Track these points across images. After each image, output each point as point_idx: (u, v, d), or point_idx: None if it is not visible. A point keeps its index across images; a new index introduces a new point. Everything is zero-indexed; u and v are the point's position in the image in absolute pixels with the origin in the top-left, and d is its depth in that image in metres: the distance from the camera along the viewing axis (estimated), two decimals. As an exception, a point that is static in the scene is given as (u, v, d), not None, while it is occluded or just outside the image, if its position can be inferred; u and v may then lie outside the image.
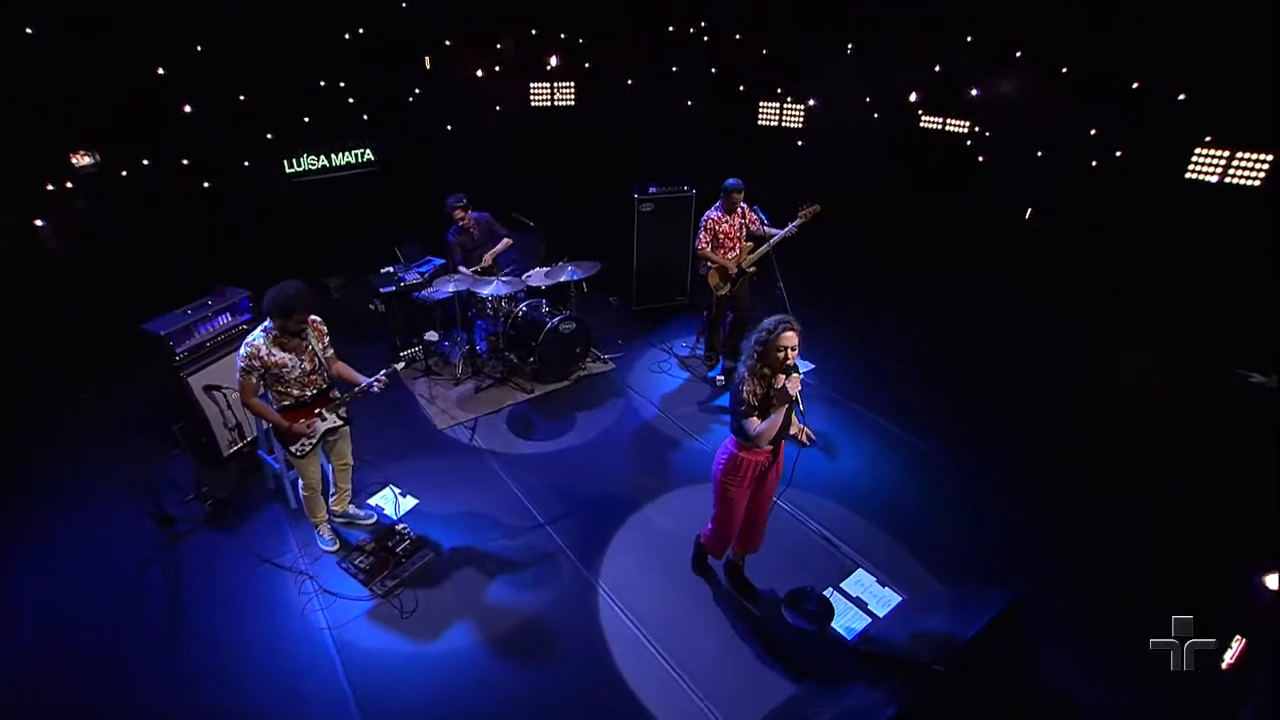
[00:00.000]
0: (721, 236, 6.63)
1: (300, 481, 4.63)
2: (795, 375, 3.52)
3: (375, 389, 4.39)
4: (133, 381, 6.43)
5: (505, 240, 7.22)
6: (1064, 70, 8.08)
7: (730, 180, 6.50)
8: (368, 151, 8.46)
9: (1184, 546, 4.84)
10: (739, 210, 6.61)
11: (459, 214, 6.94)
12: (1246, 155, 7.43)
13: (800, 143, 10.21)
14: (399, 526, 4.90)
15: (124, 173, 7.11)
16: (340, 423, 4.56)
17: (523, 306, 7.01)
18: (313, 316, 4.27)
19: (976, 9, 8.22)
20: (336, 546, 4.86)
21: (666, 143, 9.59)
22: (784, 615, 4.39)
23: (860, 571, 4.73)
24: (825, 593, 4.54)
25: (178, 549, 4.83)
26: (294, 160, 7.98)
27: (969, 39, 8.44)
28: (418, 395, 6.73)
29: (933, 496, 5.31)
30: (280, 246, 7.36)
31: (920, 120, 9.67)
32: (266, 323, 4.15)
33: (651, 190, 8.13)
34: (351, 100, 8.29)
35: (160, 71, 7.01)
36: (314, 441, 4.42)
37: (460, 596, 4.53)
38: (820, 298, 8.40)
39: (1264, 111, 7.05)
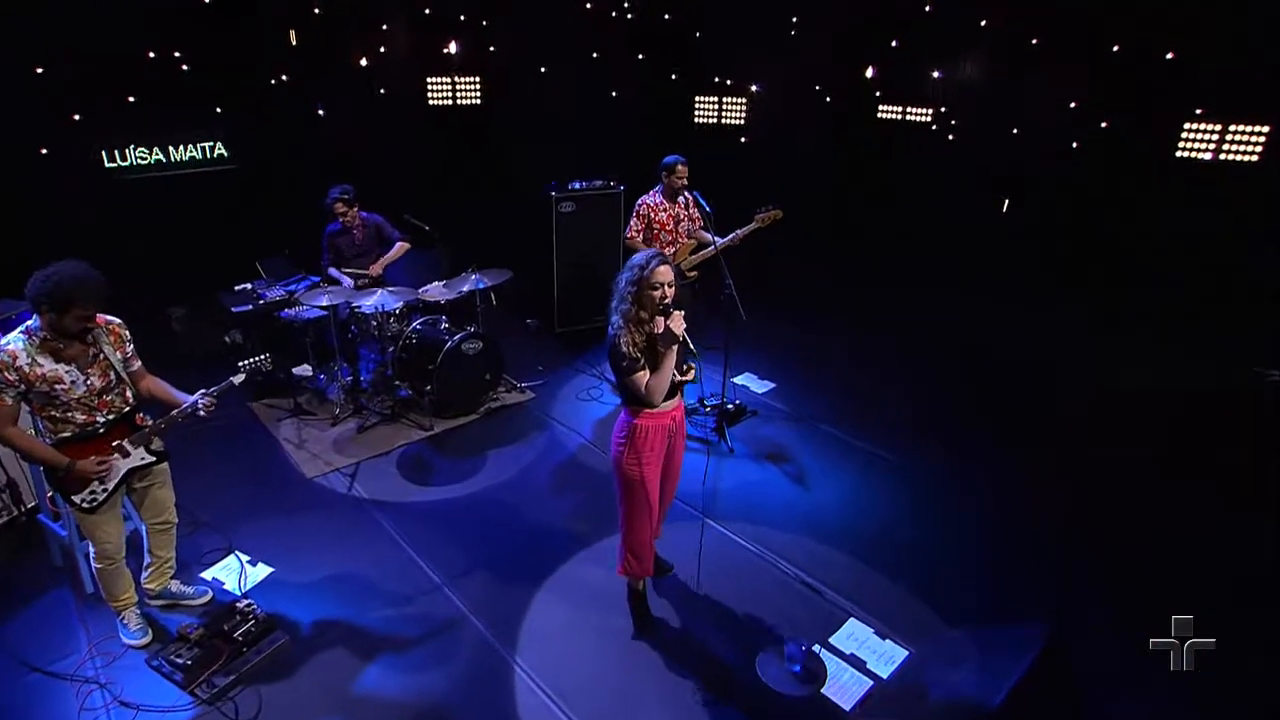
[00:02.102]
0: (657, 227, 6.21)
1: (93, 549, 3.80)
2: (676, 314, 3.42)
3: (201, 411, 3.66)
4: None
5: (401, 245, 6.71)
6: (1034, 41, 8.04)
7: (670, 156, 6.09)
8: (218, 145, 7.79)
9: (1215, 555, 4.67)
10: (681, 199, 6.19)
11: (341, 208, 6.40)
12: (1240, 129, 7.41)
13: (743, 139, 10.01)
14: (242, 604, 4.08)
15: None
16: (151, 459, 3.77)
17: (416, 324, 6.42)
18: (108, 317, 3.54)
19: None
20: (147, 639, 4.00)
21: (588, 139, 9.23)
22: (762, 680, 3.77)
23: (853, 622, 4.21)
24: (814, 649, 3.94)
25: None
26: (118, 152, 7.21)
27: (927, 8, 8.35)
28: (283, 440, 5.98)
29: (927, 524, 5.02)
30: (100, 263, 6.52)
31: (878, 111, 9.62)
32: (32, 321, 3.38)
33: (573, 187, 7.68)
34: (193, 79, 7.62)
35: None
36: (110, 488, 3.62)
37: (323, 690, 3.76)
38: (777, 307, 8.21)
39: (1255, 79, 7.06)
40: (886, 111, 9.65)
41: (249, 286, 6.56)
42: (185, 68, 7.50)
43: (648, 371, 3.51)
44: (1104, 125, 7.85)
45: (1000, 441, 5.93)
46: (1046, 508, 5.13)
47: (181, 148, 7.58)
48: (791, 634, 3.99)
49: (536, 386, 6.88)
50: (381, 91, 8.60)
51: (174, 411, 3.69)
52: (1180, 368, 6.93)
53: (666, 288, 3.47)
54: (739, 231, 5.87)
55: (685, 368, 3.66)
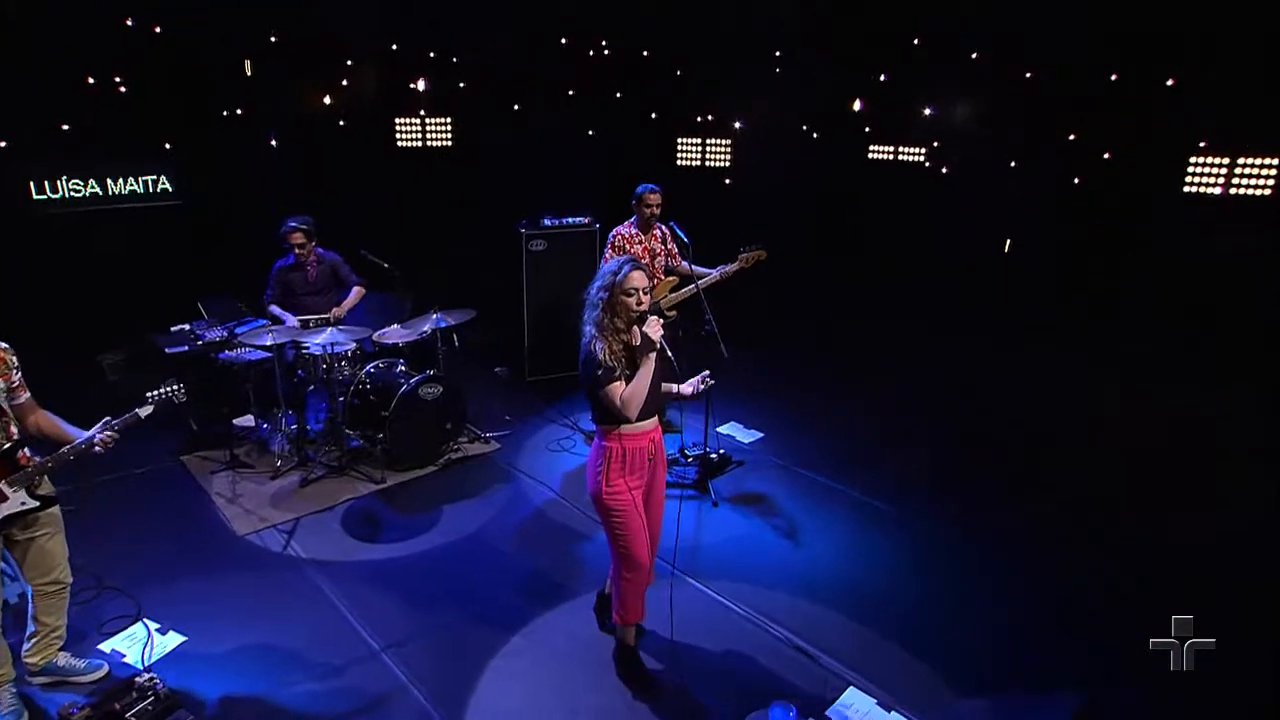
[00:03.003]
0: (633, 260, 5.96)
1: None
2: (654, 320, 3.33)
3: (98, 447, 3.31)
4: None
5: (358, 290, 6.54)
6: (1028, 75, 8.02)
7: (643, 186, 5.93)
8: (163, 179, 7.55)
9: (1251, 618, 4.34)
10: (656, 230, 6.01)
11: (299, 239, 6.19)
12: (1250, 161, 7.34)
13: (728, 181, 9.93)
14: (142, 678, 3.65)
15: None
16: (35, 504, 3.40)
17: (370, 368, 6.12)
18: None
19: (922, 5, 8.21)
20: (22, 721, 3.55)
21: (564, 180, 9.14)
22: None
23: (852, 690, 3.85)
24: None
25: None
26: (47, 183, 6.95)
27: (915, 41, 8.35)
28: (214, 494, 5.62)
29: (933, 582, 4.74)
30: (24, 305, 6.28)
31: (868, 151, 9.60)
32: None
33: (546, 224, 7.48)
34: (138, 107, 7.44)
35: None
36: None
37: (231, 778, 3.31)
38: (765, 354, 8.07)
39: (1263, 109, 7.01)
40: (877, 151, 9.62)
41: (186, 327, 6.25)
42: (128, 93, 7.33)
43: (624, 382, 3.37)
44: (1106, 156, 7.74)
45: (1009, 493, 5.72)
46: (1065, 563, 4.88)
47: (120, 180, 7.33)
48: (779, 699, 3.59)
49: (502, 437, 6.57)
50: (341, 123, 8.43)
51: (64, 449, 3.34)
52: (1198, 413, 6.76)
53: (641, 294, 3.39)
54: (721, 270, 5.78)
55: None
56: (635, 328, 3.39)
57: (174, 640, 4.14)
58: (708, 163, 10.28)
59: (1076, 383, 7.46)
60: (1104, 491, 5.68)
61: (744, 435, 6.61)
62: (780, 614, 4.36)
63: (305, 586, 4.63)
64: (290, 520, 5.31)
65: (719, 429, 6.58)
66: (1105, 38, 7.47)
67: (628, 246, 5.96)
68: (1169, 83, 7.32)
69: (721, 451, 6.11)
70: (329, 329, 5.77)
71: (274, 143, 8.01)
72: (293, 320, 6.16)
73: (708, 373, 3.72)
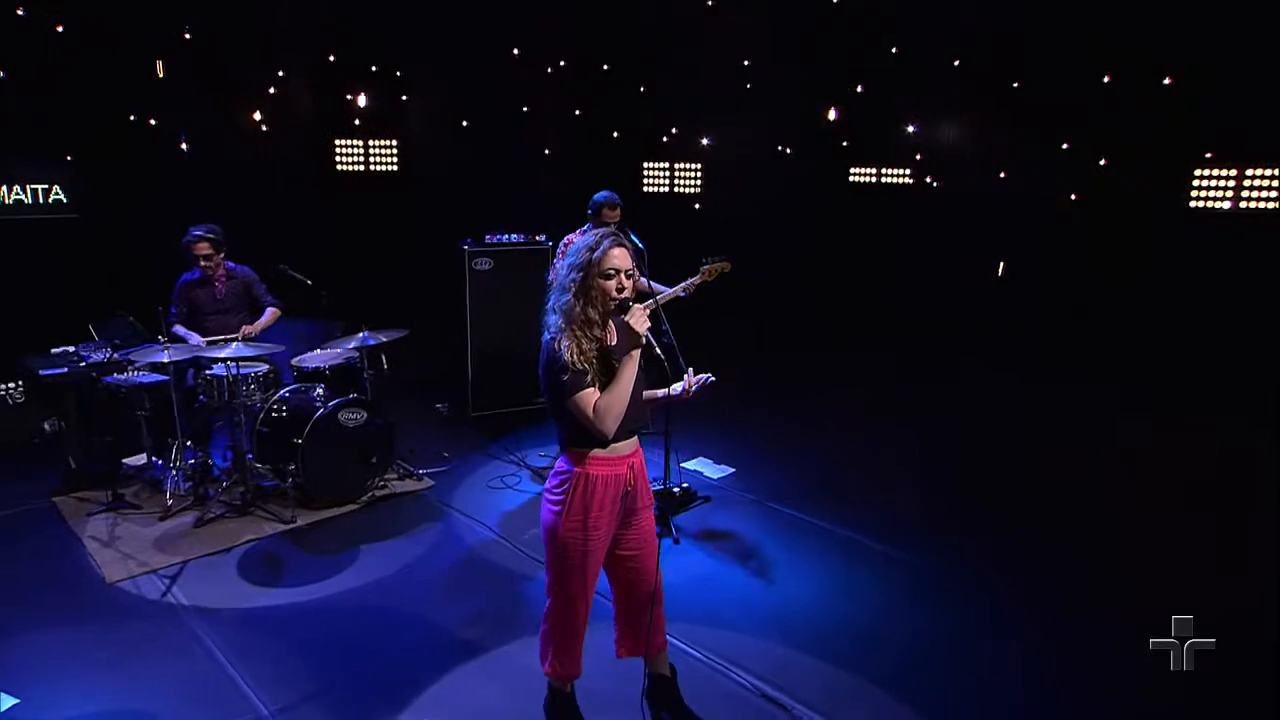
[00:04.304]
0: (587, 271, 5.68)
1: None
2: (638, 308, 2.91)
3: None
4: None
5: (273, 310, 6.26)
6: (1015, 85, 7.94)
7: (600, 194, 5.69)
8: (56, 189, 7.23)
9: None
10: None
11: (205, 249, 5.88)
12: (1258, 172, 7.23)
13: (697, 206, 9.78)
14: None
15: None
16: None
17: (284, 392, 5.80)
18: None
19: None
20: None
21: (518, 203, 8.90)
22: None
23: None
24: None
25: None
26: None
27: (894, 50, 8.28)
28: (87, 538, 5.16)
29: (929, 622, 4.46)
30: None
31: (849, 175, 9.52)
32: None
33: (493, 239, 7.20)
34: (26, 108, 7.17)
35: None
36: None
37: None
38: (737, 387, 7.70)
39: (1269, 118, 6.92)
40: (859, 175, 9.53)
41: (70, 349, 5.84)
42: (17, 92, 7.06)
43: (597, 390, 2.91)
44: (1102, 163, 7.61)
45: (1019, 526, 5.52)
46: (1076, 602, 4.61)
47: (4, 189, 6.99)
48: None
49: (438, 474, 6.21)
50: (267, 134, 8.18)
51: None
52: (1208, 446, 6.59)
53: (623, 277, 2.96)
54: (684, 285, 5.52)
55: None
56: (612, 325, 3.01)
57: (4, 703, 3.63)
58: (676, 188, 10.17)
59: (1076, 411, 7.32)
60: (1115, 528, 5.46)
61: (713, 470, 6.33)
62: (748, 659, 3.99)
63: (181, 638, 4.18)
64: (175, 564, 4.86)
65: (685, 464, 6.23)
66: (1095, 37, 7.37)
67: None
68: (1165, 81, 7.20)
69: (685, 486, 5.74)
70: (235, 344, 5.39)
71: (184, 146, 7.72)
72: (199, 341, 5.77)
73: (709, 375, 3.18)
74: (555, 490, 3.05)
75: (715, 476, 6.20)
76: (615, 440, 2.98)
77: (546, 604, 3.20)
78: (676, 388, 3.16)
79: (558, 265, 5.72)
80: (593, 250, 2.95)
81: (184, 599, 4.51)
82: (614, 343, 2.99)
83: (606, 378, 2.93)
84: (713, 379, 3.16)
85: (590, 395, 2.89)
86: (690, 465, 6.31)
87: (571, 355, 2.88)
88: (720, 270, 5.54)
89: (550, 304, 3.03)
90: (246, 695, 3.73)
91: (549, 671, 3.28)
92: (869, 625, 4.36)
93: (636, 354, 2.93)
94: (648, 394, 3.19)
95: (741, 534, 5.32)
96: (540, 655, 3.28)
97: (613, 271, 2.93)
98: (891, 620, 4.43)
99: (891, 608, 4.56)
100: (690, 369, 3.14)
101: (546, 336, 2.97)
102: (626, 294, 2.96)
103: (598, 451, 2.99)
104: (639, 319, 2.87)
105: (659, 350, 3.01)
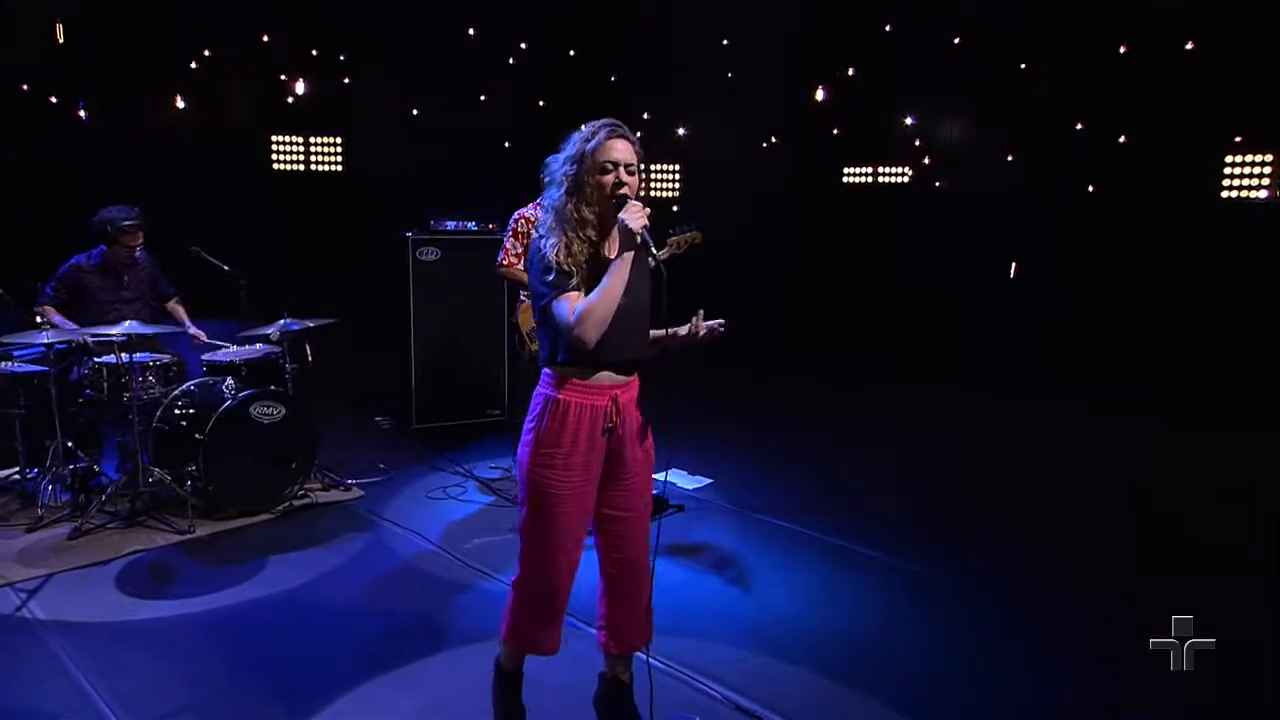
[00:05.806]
0: (543, 246, 5.47)
1: None
2: (635, 204, 2.79)
3: None
4: None
5: (176, 306, 6.17)
6: (1022, 66, 7.87)
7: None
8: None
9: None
10: None
11: (137, 240, 5.71)
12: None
13: (675, 209, 9.68)
14: None
15: None
16: None
17: (188, 385, 5.49)
18: None
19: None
20: None
21: (473, 201, 8.70)
22: None
23: None
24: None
25: None
26: None
27: (887, 28, 8.24)
28: None
29: (924, 630, 4.46)
30: None
31: (843, 175, 9.47)
32: None
33: (440, 226, 6.94)
34: None
35: None
36: None
37: None
38: (716, 397, 8.10)
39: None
40: (853, 174, 9.48)
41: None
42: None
43: (582, 293, 2.81)
44: (1123, 158, 7.56)
45: (1022, 534, 5.61)
46: (1076, 602, 4.70)
47: None
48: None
49: (370, 484, 5.90)
50: (182, 105, 7.97)
51: None
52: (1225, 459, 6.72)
53: (623, 170, 2.85)
54: (651, 257, 5.24)
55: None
56: (616, 230, 2.84)
57: None
58: (653, 192, 10.11)
59: (1077, 421, 7.49)
60: (1126, 539, 5.57)
61: (689, 482, 6.18)
62: (721, 670, 3.82)
63: (36, 655, 3.83)
64: (38, 577, 4.47)
65: (657, 475, 5.94)
66: (1113, 12, 7.31)
67: (533, 231, 5.41)
68: (1188, 46, 7.13)
69: (655, 494, 5.42)
70: (127, 322, 5.05)
71: (83, 113, 7.49)
72: (73, 328, 5.43)
73: (721, 321, 3.03)
74: (528, 420, 2.97)
75: (691, 488, 6.06)
76: (602, 368, 2.87)
77: (515, 575, 3.08)
78: (682, 329, 3.04)
79: (509, 243, 5.52)
80: (588, 140, 2.85)
81: (40, 613, 4.17)
82: (612, 255, 2.86)
83: (591, 283, 2.82)
84: (724, 325, 3.03)
85: (573, 298, 2.78)
86: (663, 475, 6.03)
87: (558, 255, 2.80)
88: (691, 241, 5.36)
89: (544, 201, 2.98)
90: (102, 713, 3.41)
91: (505, 637, 3.15)
92: (857, 633, 4.34)
93: (629, 256, 2.79)
94: (654, 333, 3.07)
95: (717, 544, 5.23)
96: (503, 617, 3.15)
97: (610, 165, 2.83)
98: (883, 628, 4.43)
99: (882, 615, 4.56)
100: (701, 311, 3.00)
101: (537, 235, 2.92)
102: (625, 191, 2.84)
103: (576, 379, 2.87)
104: (634, 216, 2.75)
105: (654, 261, 2.88)
